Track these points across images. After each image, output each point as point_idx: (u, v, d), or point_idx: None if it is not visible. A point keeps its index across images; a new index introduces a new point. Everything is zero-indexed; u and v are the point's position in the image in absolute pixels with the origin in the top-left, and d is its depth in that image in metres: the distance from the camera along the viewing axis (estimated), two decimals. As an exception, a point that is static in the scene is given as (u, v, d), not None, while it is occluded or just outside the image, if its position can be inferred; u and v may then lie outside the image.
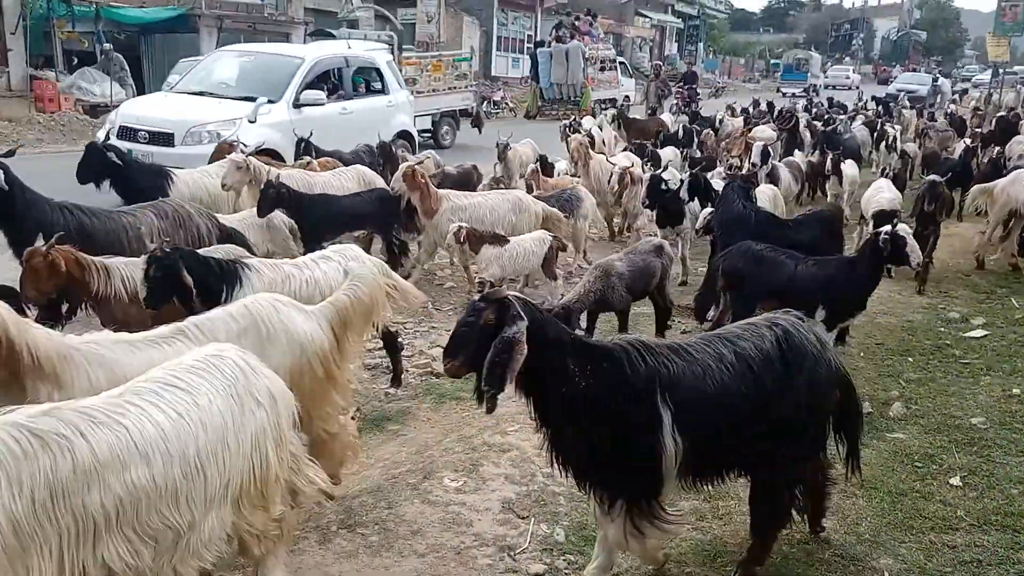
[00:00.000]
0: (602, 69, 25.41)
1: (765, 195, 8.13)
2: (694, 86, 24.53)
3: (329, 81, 11.59)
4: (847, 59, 60.13)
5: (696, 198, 7.37)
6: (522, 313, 2.62)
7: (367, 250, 6.31)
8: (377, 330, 4.15)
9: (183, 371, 2.48)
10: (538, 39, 30.67)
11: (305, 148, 8.69)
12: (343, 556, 3.37)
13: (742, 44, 66.26)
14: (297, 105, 10.30)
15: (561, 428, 2.84)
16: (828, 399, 3.17)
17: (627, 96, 26.86)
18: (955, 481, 4.08)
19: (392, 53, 13.50)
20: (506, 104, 27.88)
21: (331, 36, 24.36)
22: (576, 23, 26.84)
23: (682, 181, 7.55)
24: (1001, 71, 35.35)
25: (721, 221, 6.49)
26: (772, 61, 59.55)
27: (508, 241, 6.54)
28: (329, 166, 8.25)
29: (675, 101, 22.06)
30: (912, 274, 7.47)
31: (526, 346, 2.58)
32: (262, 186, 6.45)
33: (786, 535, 3.56)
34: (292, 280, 4.25)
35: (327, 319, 3.43)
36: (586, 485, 2.98)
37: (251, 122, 9.18)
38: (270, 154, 9.25)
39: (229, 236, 5.69)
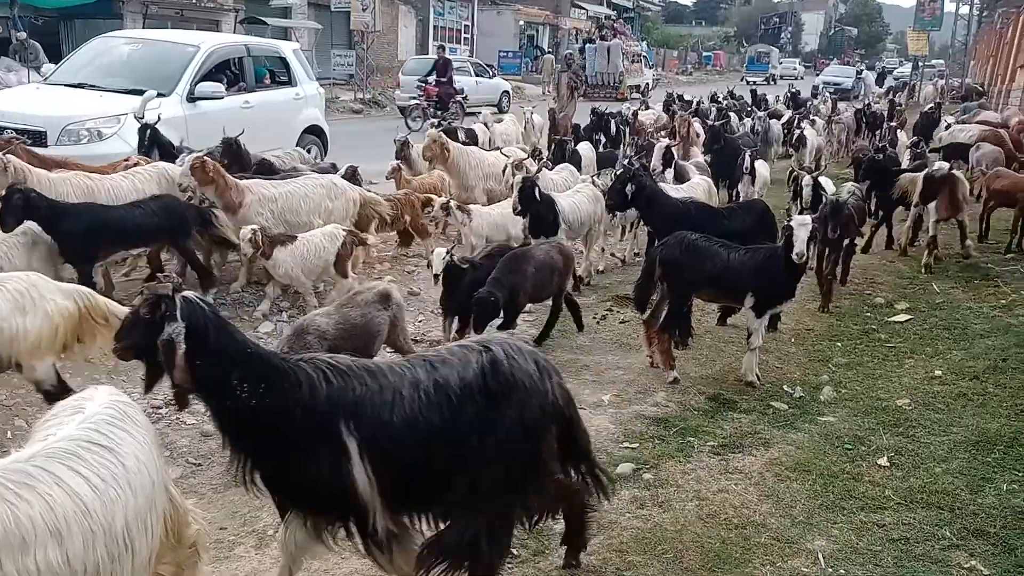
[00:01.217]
0: (633, 61, 32.32)
1: (700, 187, 8.28)
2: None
3: (229, 72, 10.42)
4: (774, 51, 62.69)
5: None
6: (178, 314, 2.47)
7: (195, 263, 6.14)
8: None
9: (103, 423, 2.19)
10: (586, 36, 37.85)
11: (231, 151, 7.56)
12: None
13: (675, 37, 67.28)
14: (192, 99, 9.15)
15: (237, 440, 2.62)
16: (541, 436, 2.81)
17: (647, 83, 32.70)
18: (883, 462, 4.22)
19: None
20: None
21: (263, 23, 23.84)
22: (615, 25, 35.43)
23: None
24: (921, 64, 36.70)
25: (658, 213, 6.53)
26: (704, 54, 61.07)
27: (295, 238, 5.97)
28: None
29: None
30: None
31: (182, 350, 2.47)
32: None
33: (723, 519, 3.64)
34: None
35: None
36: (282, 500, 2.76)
37: (138, 118, 7.88)
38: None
39: None
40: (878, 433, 4.59)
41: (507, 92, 26.84)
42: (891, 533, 3.54)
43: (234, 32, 22.86)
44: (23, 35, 17.56)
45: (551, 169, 8.72)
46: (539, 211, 6.60)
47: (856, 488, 3.94)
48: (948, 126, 13.77)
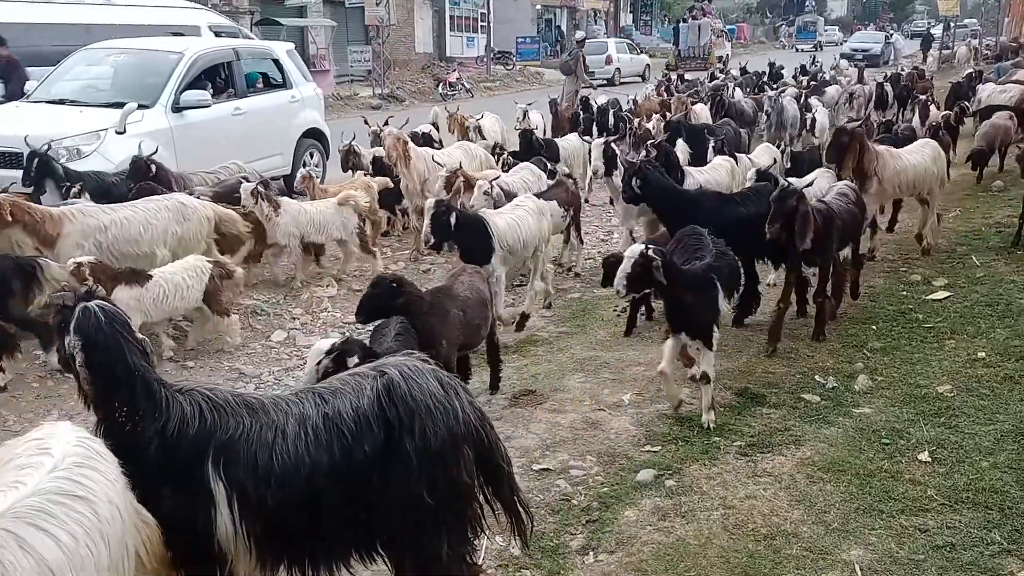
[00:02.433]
0: (717, 36, 37.71)
1: (723, 169, 7.96)
2: None
3: (218, 78, 9.98)
4: (820, 20, 62.73)
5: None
6: (72, 328, 2.33)
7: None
8: None
9: (74, 468, 2.02)
10: (680, 16, 44.30)
11: (141, 171, 6.85)
12: None
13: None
14: (178, 109, 8.65)
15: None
16: (454, 460, 2.51)
17: (727, 54, 37.44)
18: (924, 456, 3.94)
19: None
20: (462, 85, 27.45)
21: (278, 24, 23.81)
22: (703, 6, 40.45)
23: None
24: (952, 24, 35.62)
25: (669, 207, 5.90)
26: (728, 27, 60.25)
27: (150, 278, 5.18)
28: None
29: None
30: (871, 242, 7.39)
31: (81, 362, 2.34)
32: None
33: (751, 529, 3.41)
34: None
35: None
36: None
37: (119, 133, 7.52)
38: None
39: None
40: (918, 424, 4.29)
41: (648, 66, 33.85)
42: (935, 539, 3.27)
43: (251, 34, 22.88)
44: (5, 52, 17.41)
45: (507, 171, 7.91)
46: (463, 239, 5.56)
47: (895, 488, 3.67)
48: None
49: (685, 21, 38.58)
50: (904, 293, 6.56)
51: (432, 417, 2.46)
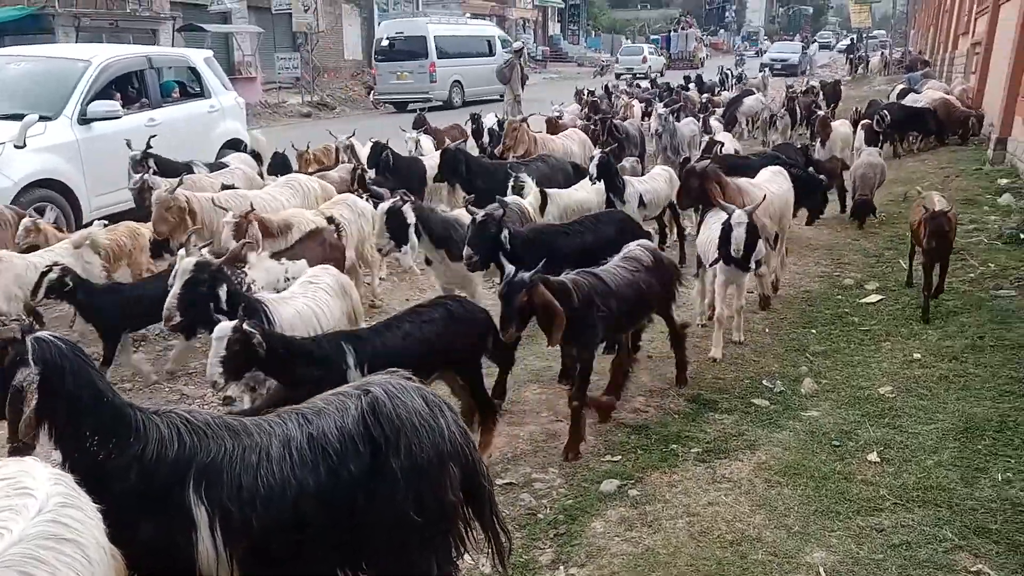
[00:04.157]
0: (698, 43, 48.78)
1: (661, 178, 8.10)
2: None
3: (130, 88, 9.54)
4: (721, 31, 65.88)
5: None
6: (31, 359, 2.23)
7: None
8: None
9: (61, 509, 1.89)
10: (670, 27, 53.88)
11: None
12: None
13: (622, 22, 67.35)
14: (84, 120, 8.15)
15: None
16: (439, 480, 2.47)
17: (705, 56, 48.22)
18: (873, 457, 4.08)
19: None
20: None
21: (202, 30, 23.16)
22: (687, 19, 52.16)
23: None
24: (865, 36, 37.17)
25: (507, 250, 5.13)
26: (652, 37, 61.86)
27: None
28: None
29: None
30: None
31: (36, 396, 2.23)
32: None
33: (717, 535, 3.46)
34: None
35: None
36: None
37: (19, 147, 7.05)
38: (54, 187, 7.47)
39: None
40: (864, 426, 4.45)
41: (665, 63, 42.71)
42: (891, 538, 3.38)
43: (172, 41, 22.20)
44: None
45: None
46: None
47: (849, 489, 3.79)
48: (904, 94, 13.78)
49: (675, 31, 49.90)
50: (839, 297, 6.80)
51: (418, 435, 2.43)
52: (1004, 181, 10.07)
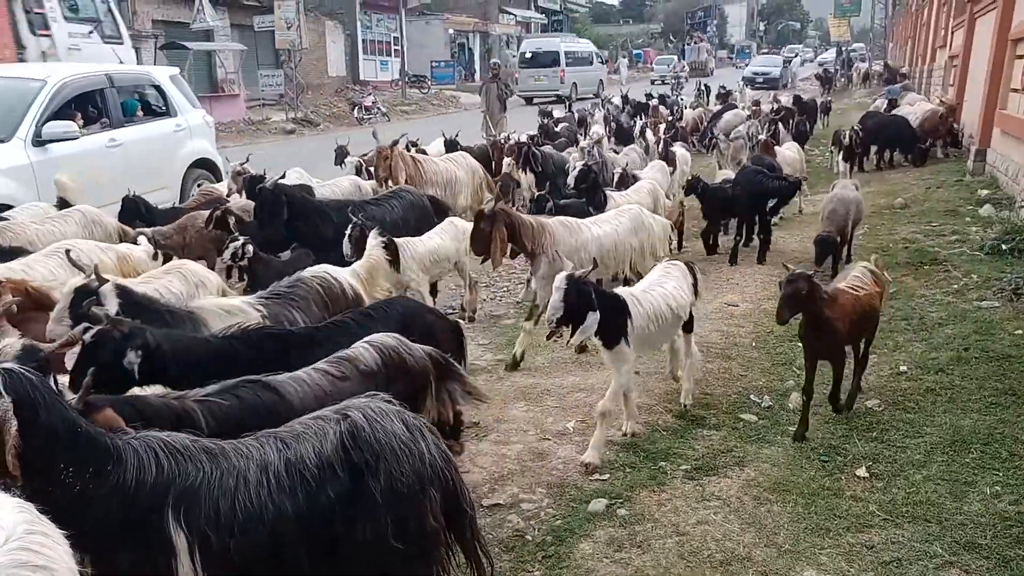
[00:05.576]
0: (709, 54, 54.02)
1: (643, 189, 8.12)
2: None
3: (90, 108, 9.15)
4: (753, 44, 69.48)
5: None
6: (3, 389, 2.17)
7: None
8: None
9: (28, 537, 1.81)
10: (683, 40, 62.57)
11: None
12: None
13: (604, 37, 67.86)
14: (40, 142, 7.78)
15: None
16: (419, 505, 2.45)
17: (713, 66, 52.45)
18: (861, 472, 4.06)
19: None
20: (378, 108, 27.28)
21: (184, 48, 23.11)
22: (700, 35, 58.32)
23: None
24: (844, 49, 37.62)
25: None
26: (634, 52, 62.94)
27: None
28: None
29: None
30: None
31: (14, 426, 2.15)
32: None
33: (707, 555, 3.42)
34: None
35: None
36: None
37: None
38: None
39: None
40: (852, 440, 4.43)
41: (686, 67, 45.12)
42: (881, 555, 3.36)
43: (155, 59, 22.13)
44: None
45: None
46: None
47: (839, 506, 3.76)
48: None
49: (689, 44, 56.53)
50: (825, 310, 6.79)
51: (398, 460, 2.40)
52: (984, 192, 10.15)
